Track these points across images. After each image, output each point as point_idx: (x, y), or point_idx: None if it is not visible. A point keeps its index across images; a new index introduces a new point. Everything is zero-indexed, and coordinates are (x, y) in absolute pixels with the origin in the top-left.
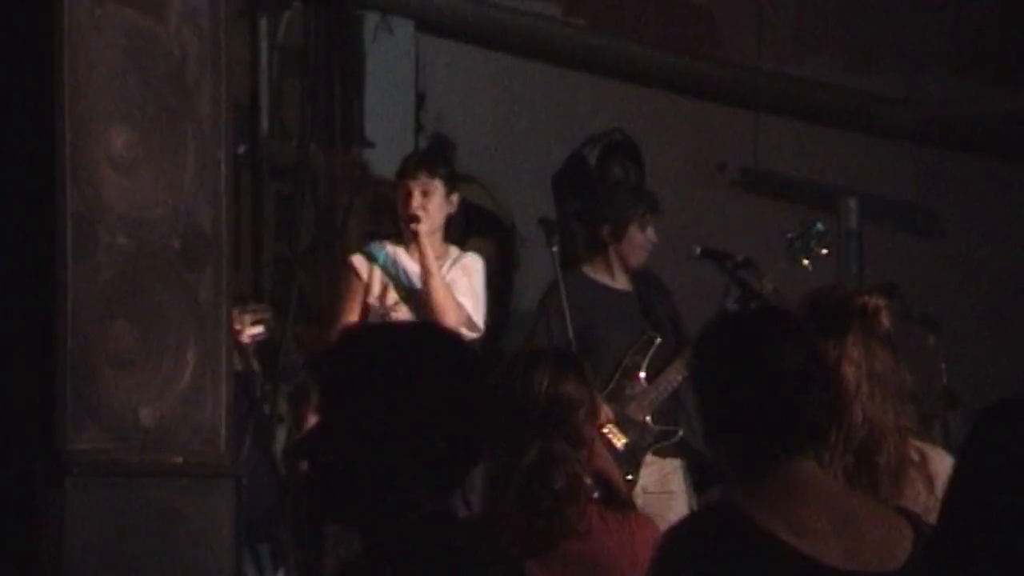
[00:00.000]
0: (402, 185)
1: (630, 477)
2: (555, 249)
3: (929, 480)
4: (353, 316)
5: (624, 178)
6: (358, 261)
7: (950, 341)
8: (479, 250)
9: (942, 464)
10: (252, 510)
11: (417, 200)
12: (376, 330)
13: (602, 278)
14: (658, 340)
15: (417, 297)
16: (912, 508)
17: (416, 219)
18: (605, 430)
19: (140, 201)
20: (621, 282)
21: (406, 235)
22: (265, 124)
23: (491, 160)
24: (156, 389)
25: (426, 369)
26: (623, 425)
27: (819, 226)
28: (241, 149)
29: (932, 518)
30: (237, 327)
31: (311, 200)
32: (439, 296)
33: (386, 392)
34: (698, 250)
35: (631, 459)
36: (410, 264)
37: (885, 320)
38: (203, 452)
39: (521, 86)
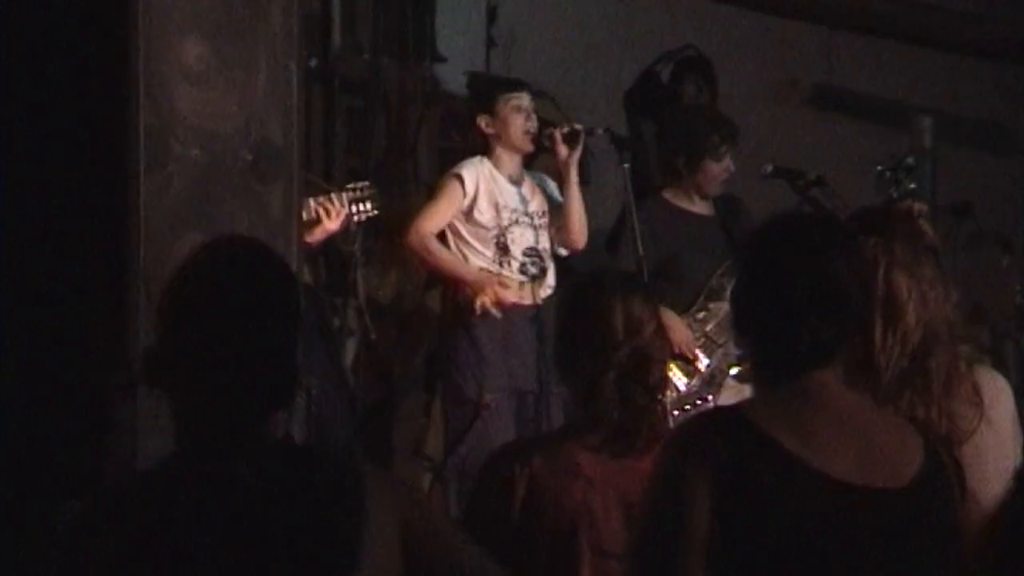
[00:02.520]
0: (520, 104)
1: (710, 398)
2: (626, 166)
3: (976, 390)
4: (440, 224)
5: (697, 95)
6: (468, 176)
7: None
8: (549, 166)
9: (988, 378)
10: (322, 422)
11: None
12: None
13: (682, 203)
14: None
15: (534, 220)
16: (962, 413)
17: (576, 136)
18: (690, 354)
19: (212, 113)
20: (700, 206)
21: (525, 145)
22: (337, 38)
23: (562, 76)
24: None
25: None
26: (706, 347)
27: (910, 160)
28: (313, 62)
29: (977, 427)
30: (340, 209)
31: (382, 115)
32: (582, 216)
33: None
34: (769, 168)
35: (712, 381)
36: (505, 184)
37: (928, 227)
38: None
39: (593, 2)
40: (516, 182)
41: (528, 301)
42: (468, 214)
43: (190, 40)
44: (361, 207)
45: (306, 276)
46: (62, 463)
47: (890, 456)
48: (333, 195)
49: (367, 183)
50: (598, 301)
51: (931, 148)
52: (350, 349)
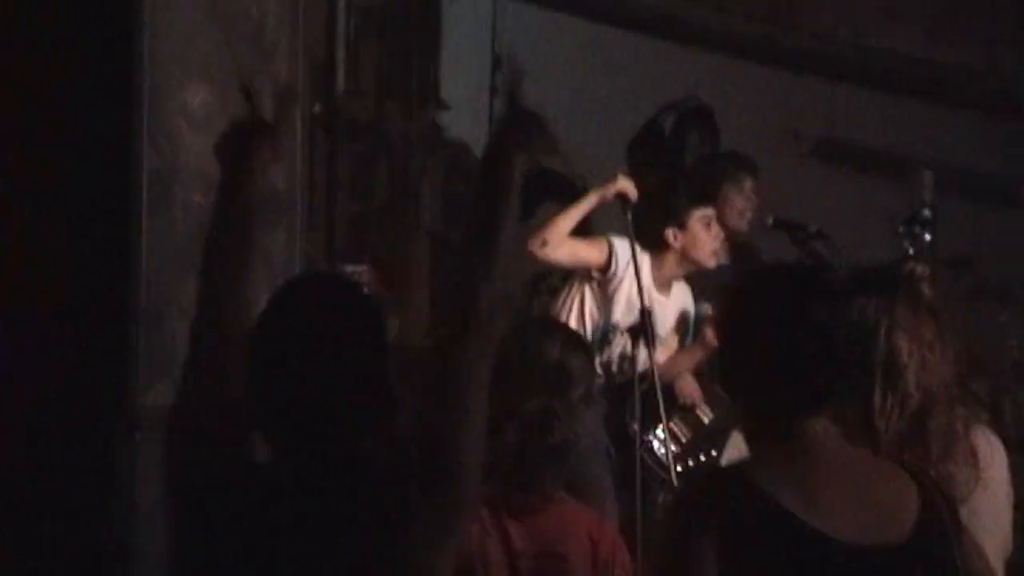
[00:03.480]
0: (711, 222)
1: (714, 453)
2: (629, 216)
3: (972, 452)
4: (567, 242)
5: (700, 146)
6: (621, 248)
7: None
8: (552, 214)
9: (984, 440)
10: None
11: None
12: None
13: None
14: None
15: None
16: (959, 476)
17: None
18: (699, 410)
19: (216, 159)
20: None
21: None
22: (342, 83)
23: (566, 125)
24: None
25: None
26: (712, 402)
27: (926, 212)
28: (317, 108)
29: (973, 490)
30: None
31: (386, 160)
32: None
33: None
34: (771, 220)
35: (718, 436)
36: (653, 289)
37: (927, 289)
38: None
39: (598, 52)
40: (664, 292)
41: None
42: (607, 287)
43: (194, 86)
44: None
45: None
46: (68, 506)
47: (889, 510)
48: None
49: (366, 268)
50: (532, 346)
51: (932, 201)
52: None
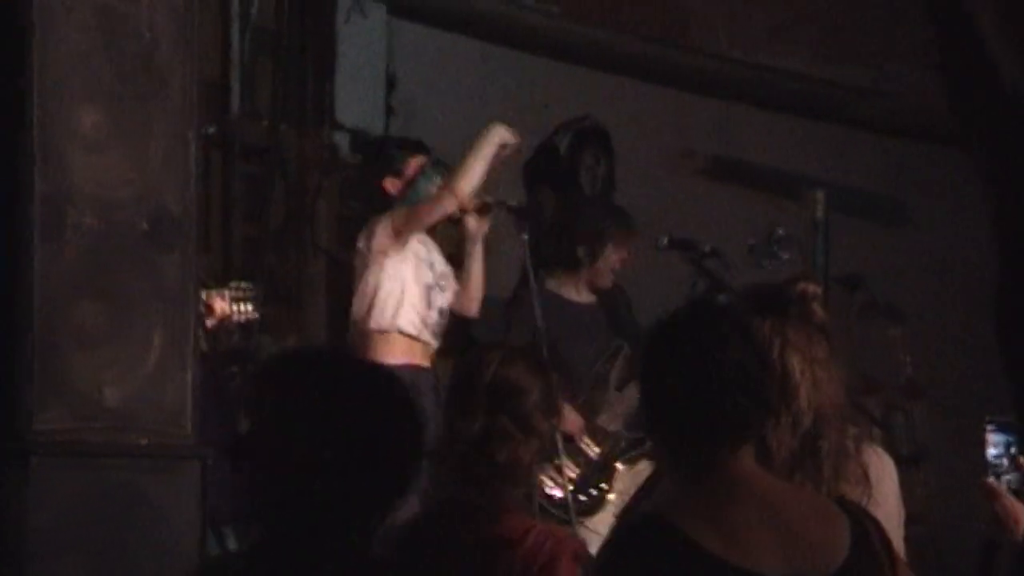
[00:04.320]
0: (423, 165)
1: (604, 486)
2: (525, 237)
3: (863, 471)
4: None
5: (595, 166)
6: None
7: (915, 333)
8: (448, 235)
9: (874, 457)
10: (218, 492)
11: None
12: (318, 357)
13: (566, 292)
14: (625, 349)
15: (442, 281)
16: (850, 494)
17: (489, 208)
18: (580, 442)
19: (108, 181)
20: (584, 296)
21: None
22: (236, 104)
23: (461, 145)
24: (122, 370)
25: (362, 404)
26: (595, 435)
27: (780, 231)
28: (211, 129)
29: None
30: (223, 307)
31: (281, 181)
32: (479, 287)
33: (320, 421)
34: (665, 240)
35: (604, 468)
36: (423, 248)
37: (819, 309)
38: (168, 433)
39: (492, 72)
40: (420, 241)
41: (428, 364)
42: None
43: (86, 107)
44: (242, 307)
45: (202, 343)
46: None
47: (817, 544)
48: (215, 293)
49: (250, 284)
50: (470, 367)
51: (823, 220)
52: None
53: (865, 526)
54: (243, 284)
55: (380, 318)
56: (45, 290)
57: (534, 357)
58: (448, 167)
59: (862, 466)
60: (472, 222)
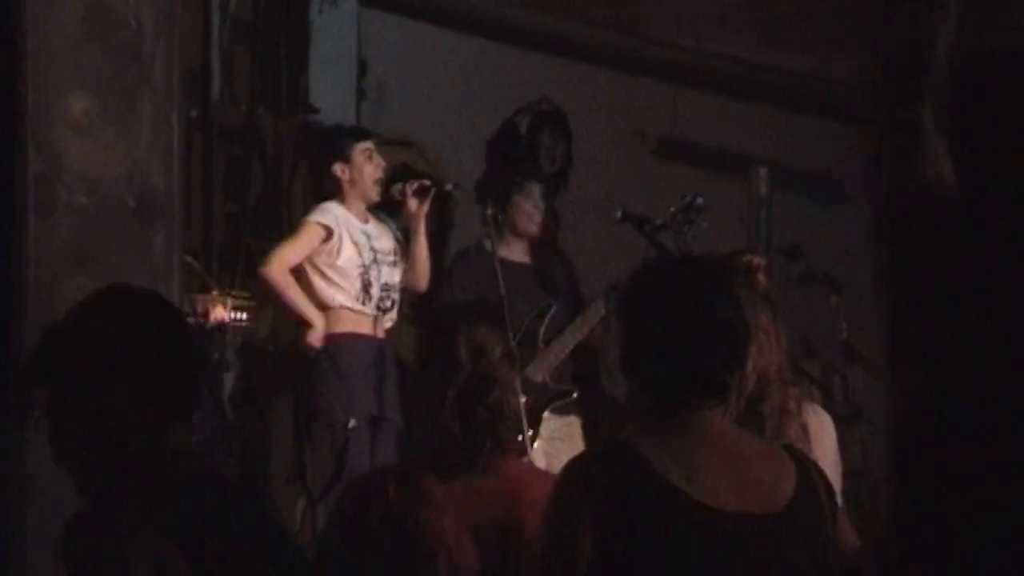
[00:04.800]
0: (369, 151)
1: (531, 432)
2: (489, 212)
3: (804, 429)
4: (293, 262)
5: (553, 146)
6: (328, 221)
7: (851, 300)
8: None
9: (814, 416)
10: (202, 449)
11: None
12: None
13: (500, 251)
14: (554, 307)
15: (387, 257)
16: None
17: (427, 191)
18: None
19: (97, 162)
20: (518, 254)
21: (374, 195)
22: (216, 90)
23: (429, 127)
24: None
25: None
26: (523, 386)
27: (699, 200)
28: (193, 113)
29: None
30: (222, 315)
31: (259, 162)
32: (427, 263)
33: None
34: (619, 214)
35: (530, 417)
36: (359, 225)
37: (763, 279)
38: None
39: (456, 58)
40: (365, 223)
41: (379, 334)
42: (333, 256)
43: (76, 94)
44: (237, 315)
45: (187, 312)
46: None
47: (766, 483)
48: (219, 302)
49: (248, 294)
50: (447, 329)
51: (766, 196)
52: (228, 382)
53: (810, 471)
54: (243, 294)
55: (322, 296)
56: (39, 263)
57: (490, 317)
58: (416, 149)
59: (803, 424)
60: (412, 204)
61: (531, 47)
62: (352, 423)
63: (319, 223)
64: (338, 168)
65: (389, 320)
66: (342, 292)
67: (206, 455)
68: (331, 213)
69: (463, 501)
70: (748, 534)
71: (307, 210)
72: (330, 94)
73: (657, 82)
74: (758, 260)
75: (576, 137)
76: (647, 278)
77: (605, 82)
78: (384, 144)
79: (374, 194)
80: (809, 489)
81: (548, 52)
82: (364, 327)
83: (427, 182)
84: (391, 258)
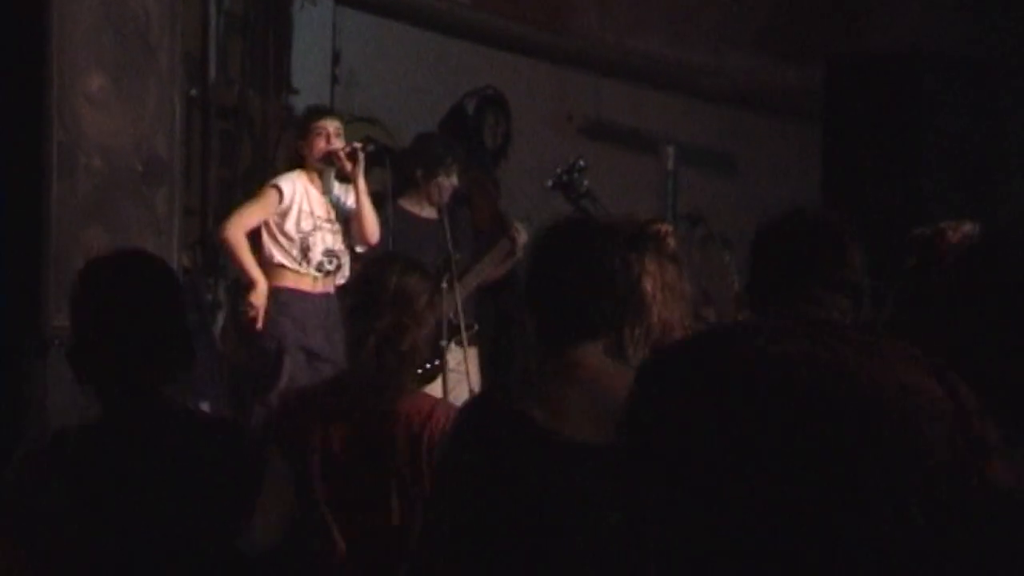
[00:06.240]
0: (321, 128)
1: (436, 362)
2: (419, 174)
3: None
4: (250, 224)
5: (495, 125)
6: (286, 187)
7: (742, 258)
8: (380, 179)
9: None
10: (195, 374)
11: (337, 140)
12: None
13: (413, 208)
14: (457, 256)
15: (337, 218)
16: None
17: (356, 154)
18: None
19: (111, 132)
20: (428, 212)
21: (318, 163)
22: (213, 73)
23: (391, 107)
24: None
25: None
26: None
27: (581, 162)
28: (193, 92)
29: None
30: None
31: (248, 135)
32: (372, 218)
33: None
34: (550, 183)
35: (434, 350)
36: (314, 194)
37: (671, 242)
38: None
39: (416, 50)
40: (325, 193)
41: (319, 290)
42: (283, 219)
43: (93, 74)
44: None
45: (186, 261)
46: None
47: None
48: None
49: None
50: (376, 277)
51: (673, 170)
52: (219, 320)
53: None
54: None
55: (268, 254)
56: (60, 218)
57: (422, 267)
58: (381, 125)
59: None
60: (347, 166)
61: (479, 42)
62: (287, 358)
63: (276, 186)
64: (298, 143)
65: (341, 278)
66: (283, 252)
67: (203, 386)
68: (289, 180)
69: (364, 428)
70: (601, 461)
71: None
72: (308, 79)
73: (583, 72)
74: (666, 227)
75: (514, 118)
76: (552, 234)
77: (539, 72)
78: (353, 120)
79: (317, 164)
80: None
81: (493, 46)
82: (304, 284)
83: (357, 144)
84: (336, 226)
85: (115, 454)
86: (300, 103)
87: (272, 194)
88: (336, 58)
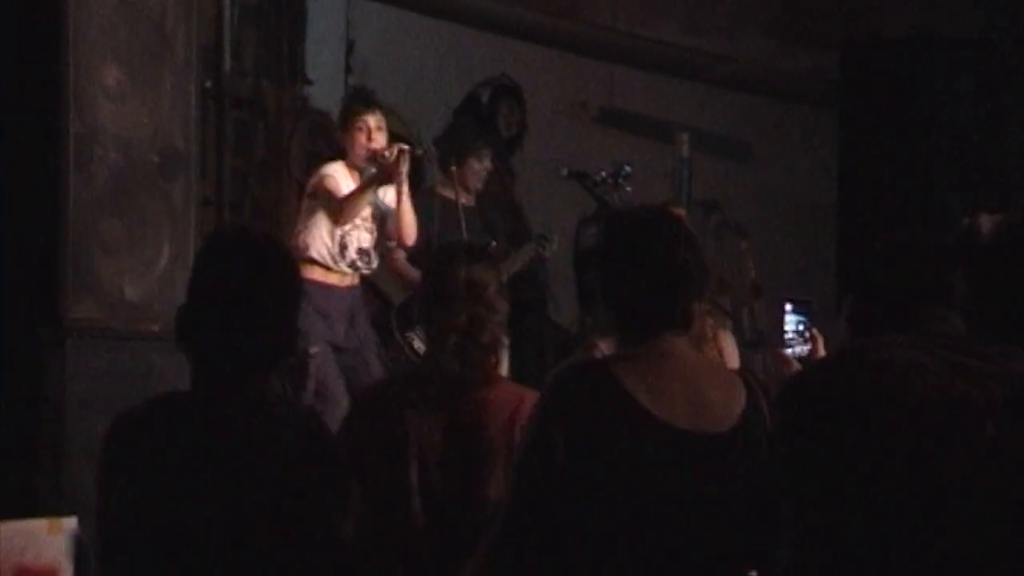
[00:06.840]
0: (362, 123)
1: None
2: (454, 168)
3: (720, 352)
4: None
5: (509, 114)
6: (341, 180)
7: (758, 245)
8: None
9: (725, 342)
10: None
11: (379, 134)
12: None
13: (448, 194)
14: (493, 244)
15: (373, 217)
16: None
17: (402, 156)
18: None
19: (127, 124)
20: (464, 198)
21: (362, 161)
22: (227, 64)
23: (405, 96)
24: (138, 272)
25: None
26: None
27: (627, 168)
28: (208, 84)
29: None
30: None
31: (262, 125)
32: (411, 219)
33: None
34: (565, 171)
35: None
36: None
37: (689, 225)
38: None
39: (429, 40)
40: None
41: (346, 283)
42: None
43: (110, 66)
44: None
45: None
46: (2, 400)
47: (719, 406)
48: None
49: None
50: (444, 271)
51: (688, 158)
52: None
53: (757, 394)
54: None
55: (302, 246)
56: (77, 209)
57: (484, 251)
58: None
59: (718, 347)
60: (394, 168)
61: (493, 31)
62: (314, 350)
63: (331, 176)
64: (337, 134)
65: (366, 270)
66: (318, 248)
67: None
68: (337, 173)
69: (456, 415)
70: (701, 450)
71: (302, 167)
72: (322, 69)
73: (597, 61)
74: (680, 211)
75: (529, 107)
76: (619, 227)
77: (553, 60)
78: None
79: (360, 162)
80: (756, 409)
81: (507, 35)
82: (332, 279)
83: (405, 146)
84: (370, 224)
85: (209, 429)
86: (314, 93)
87: (332, 183)
88: (350, 48)
